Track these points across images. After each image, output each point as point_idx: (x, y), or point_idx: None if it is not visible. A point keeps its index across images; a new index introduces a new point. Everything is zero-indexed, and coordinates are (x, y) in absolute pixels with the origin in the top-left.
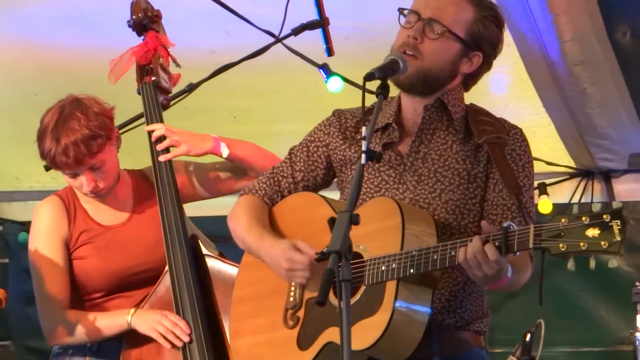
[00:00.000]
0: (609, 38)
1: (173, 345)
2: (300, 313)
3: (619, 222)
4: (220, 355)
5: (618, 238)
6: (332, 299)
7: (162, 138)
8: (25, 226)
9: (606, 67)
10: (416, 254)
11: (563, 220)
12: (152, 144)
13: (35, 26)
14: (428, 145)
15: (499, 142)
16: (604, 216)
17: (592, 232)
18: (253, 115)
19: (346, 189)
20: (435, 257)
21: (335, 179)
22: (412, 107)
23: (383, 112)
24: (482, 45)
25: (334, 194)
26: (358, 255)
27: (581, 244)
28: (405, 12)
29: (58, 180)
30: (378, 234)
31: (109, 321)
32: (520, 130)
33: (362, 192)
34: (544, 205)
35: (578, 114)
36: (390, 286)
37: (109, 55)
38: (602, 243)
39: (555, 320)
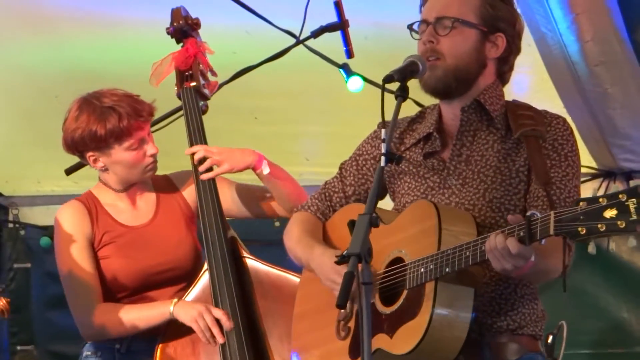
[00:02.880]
0: (629, 38)
1: (209, 341)
2: (351, 323)
3: (635, 200)
4: (259, 356)
5: (635, 217)
6: (379, 305)
7: (202, 160)
8: (47, 230)
9: (627, 68)
10: (450, 253)
11: (581, 204)
12: (194, 165)
13: (56, 28)
14: (470, 147)
15: (534, 135)
16: (620, 196)
17: (610, 213)
18: (274, 115)
19: (397, 198)
20: (467, 253)
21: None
22: (452, 113)
23: (425, 121)
24: (500, 26)
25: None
26: (400, 260)
27: (599, 225)
28: (415, 26)
29: (79, 184)
30: (417, 237)
31: (150, 311)
32: (563, 119)
33: (409, 201)
34: None
35: (599, 115)
36: (429, 287)
37: (129, 56)
38: (619, 223)
39: (577, 322)
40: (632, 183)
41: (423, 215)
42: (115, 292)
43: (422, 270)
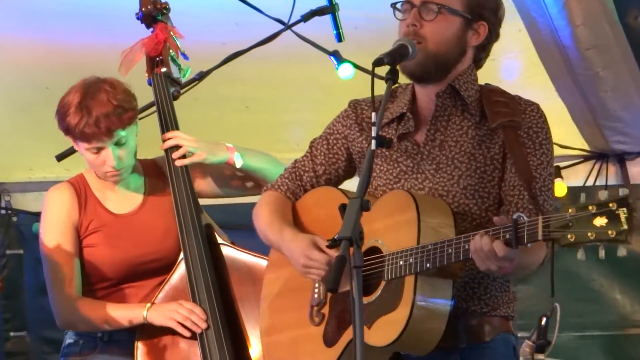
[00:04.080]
0: (620, 22)
1: (192, 333)
2: (325, 310)
3: (625, 210)
4: (237, 342)
5: (625, 227)
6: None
7: (177, 146)
8: (39, 217)
9: (618, 51)
10: (431, 248)
11: (570, 210)
12: (167, 150)
13: (45, 22)
14: (444, 132)
15: (512, 125)
16: (610, 204)
17: (600, 222)
18: (264, 105)
19: None
20: (449, 250)
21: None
22: (427, 96)
23: (398, 101)
24: (483, 14)
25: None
26: (377, 250)
27: (589, 233)
28: (398, 5)
29: (71, 171)
30: (395, 228)
31: (124, 312)
32: (537, 106)
33: (381, 184)
34: (559, 188)
35: (591, 98)
36: (409, 281)
37: (117, 48)
38: (610, 232)
39: (569, 304)
40: (627, 166)
41: (401, 206)
42: (98, 281)
43: (401, 263)
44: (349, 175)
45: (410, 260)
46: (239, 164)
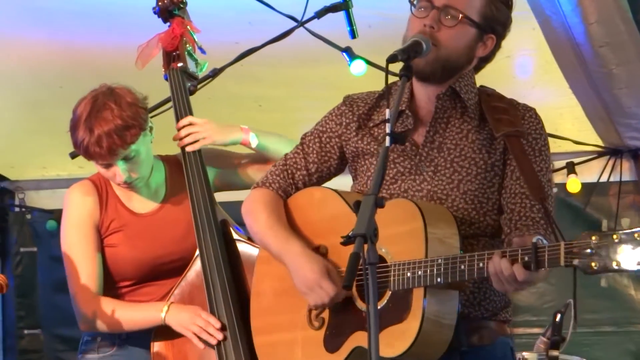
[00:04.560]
0: (634, 19)
1: (207, 344)
2: (325, 314)
3: None
4: (252, 339)
5: None
6: (359, 302)
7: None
8: (53, 214)
9: (632, 48)
10: (442, 263)
11: (594, 238)
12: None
13: (58, 21)
14: (443, 134)
15: (516, 135)
16: (636, 235)
17: (624, 251)
18: (278, 103)
19: (359, 177)
20: (462, 267)
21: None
22: (426, 95)
23: (393, 98)
24: (495, 28)
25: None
26: (381, 259)
27: (614, 263)
28: (415, 1)
29: (85, 168)
30: (400, 237)
31: (143, 314)
32: (534, 111)
33: None
34: (573, 184)
35: (605, 95)
36: (418, 293)
37: (131, 47)
38: (637, 263)
39: (583, 300)
40: None
41: (406, 216)
42: (120, 280)
43: (409, 274)
44: (339, 172)
45: (419, 272)
46: (254, 143)
